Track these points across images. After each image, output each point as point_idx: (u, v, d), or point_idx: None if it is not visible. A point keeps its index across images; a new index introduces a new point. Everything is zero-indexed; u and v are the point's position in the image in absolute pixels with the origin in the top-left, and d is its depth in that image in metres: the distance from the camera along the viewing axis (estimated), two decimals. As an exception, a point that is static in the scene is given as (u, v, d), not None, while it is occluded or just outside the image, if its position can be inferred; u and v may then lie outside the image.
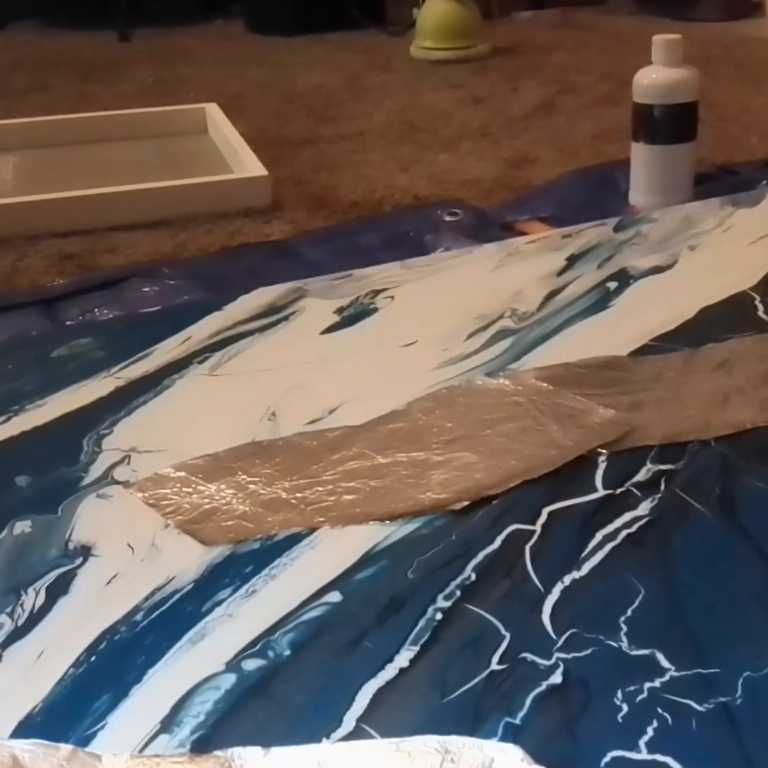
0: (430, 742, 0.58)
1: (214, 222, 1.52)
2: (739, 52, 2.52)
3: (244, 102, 2.25)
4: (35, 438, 0.94)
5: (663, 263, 1.24)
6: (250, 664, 0.66)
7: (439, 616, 0.69)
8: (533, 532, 0.77)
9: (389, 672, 0.64)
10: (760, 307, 1.11)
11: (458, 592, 0.70)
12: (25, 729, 0.62)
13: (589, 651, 0.65)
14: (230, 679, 0.64)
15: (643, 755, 0.58)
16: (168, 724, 0.61)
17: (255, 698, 0.63)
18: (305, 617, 0.69)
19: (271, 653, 0.66)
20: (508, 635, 0.67)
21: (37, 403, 0.99)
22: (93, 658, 0.67)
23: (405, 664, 0.65)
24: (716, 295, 1.14)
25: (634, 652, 0.65)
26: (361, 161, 1.81)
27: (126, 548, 0.77)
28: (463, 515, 0.79)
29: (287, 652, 0.66)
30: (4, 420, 0.96)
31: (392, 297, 1.19)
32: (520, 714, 0.61)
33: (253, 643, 0.67)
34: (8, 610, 0.72)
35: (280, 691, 0.62)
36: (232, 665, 0.65)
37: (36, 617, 0.71)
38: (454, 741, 0.58)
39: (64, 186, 1.58)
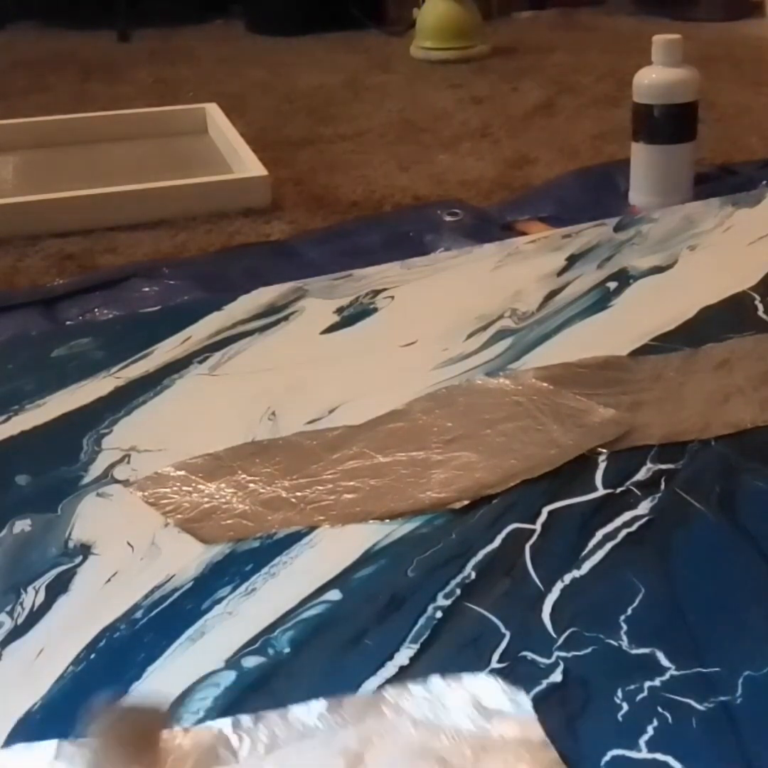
0: (416, 691, 0.61)
1: (214, 222, 1.52)
2: (739, 52, 2.52)
3: (244, 102, 2.25)
4: (35, 437, 0.94)
5: (663, 263, 1.24)
6: (250, 662, 0.66)
7: (439, 614, 0.69)
8: (533, 531, 0.77)
9: (389, 670, 0.64)
10: (760, 307, 1.11)
11: (458, 591, 0.70)
12: (24, 727, 0.62)
13: (589, 650, 0.65)
14: (230, 676, 0.64)
15: (644, 754, 0.58)
16: (168, 719, 0.61)
17: (255, 695, 0.63)
18: (305, 615, 0.69)
19: (270, 651, 0.66)
20: (508, 634, 0.67)
21: (37, 403, 0.99)
22: (93, 656, 0.67)
23: (405, 662, 0.65)
24: (716, 295, 1.14)
25: (635, 651, 0.65)
26: (361, 161, 1.81)
27: (126, 547, 0.77)
28: (463, 514, 0.79)
29: (287, 650, 0.66)
30: (4, 419, 0.96)
31: (392, 297, 1.19)
32: (520, 713, 0.61)
33: (252, 641, 0.67)
34: (8, 608, 0.72)
35: (279, 689, 0.62)
36: (232, 662, 0.66)
37: (36, 615, 0.71)
38: (436, 683, 0.62)
39: (64, 186, 1.58)
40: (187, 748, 0.58)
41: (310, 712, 0.61)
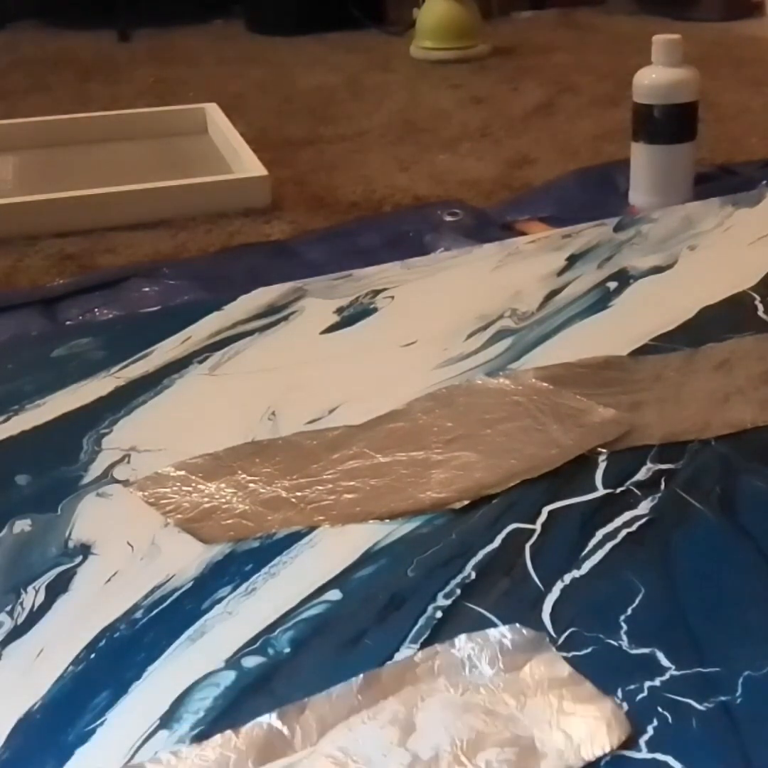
0: (444, 650, 0.64)
1: (214, 222, 1.52)
2: (739, 52, 2.52)
3: (244, 102, 2.25)
4: (35, 437, 0.94)
5: (663, 263, 1.24)
6: (250, 661, 0.65)
7: (439, 614, 0.69)
8: (533, 531, 0.77)
9: (389, 670, 0.64)
10: (760, 307, 1.11)
11: (458, 591, 0.70)
12: (24, 726, 0.62)
13: (589, 649, 0.65)
14: (230, 676, 0.64)
15: (643, 754, 0.58)
16: (167, 720, 0.61)
17: (254, 695, 0.63)
18: (305, 615, 0.69)
19: (270, 650, 0.66)
20: (508, 634, 0.67)
21: (37, 403, 0.99)
22: (93, 656, 0.67)
23: (405, 662, 0.65)
24: (716, 295, 1.14)
25: (635, 651, 0.65)
26: (361, 161, 1.81)
27: (126, 546, 0.77)
28: (464, 514, 0.79)
29: (287, 650, 0.66)
30: (4, 419, 0.96)
31: (392, 297, 1.19)
32: (520, 712, 0.61)
33: (252, 641, 0.67)
34: (8, 608, 0.72)
35: (279, 689, 0.62)
36: (232, 662, 0.65)
37: (36, 615, 0.71)
38: (461, 640, 0.65)
39: (64, 186, 1.58)
40: (243, 748, 0.58)
41: (350, 689, 0.61)
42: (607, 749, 0.57)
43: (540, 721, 0.59)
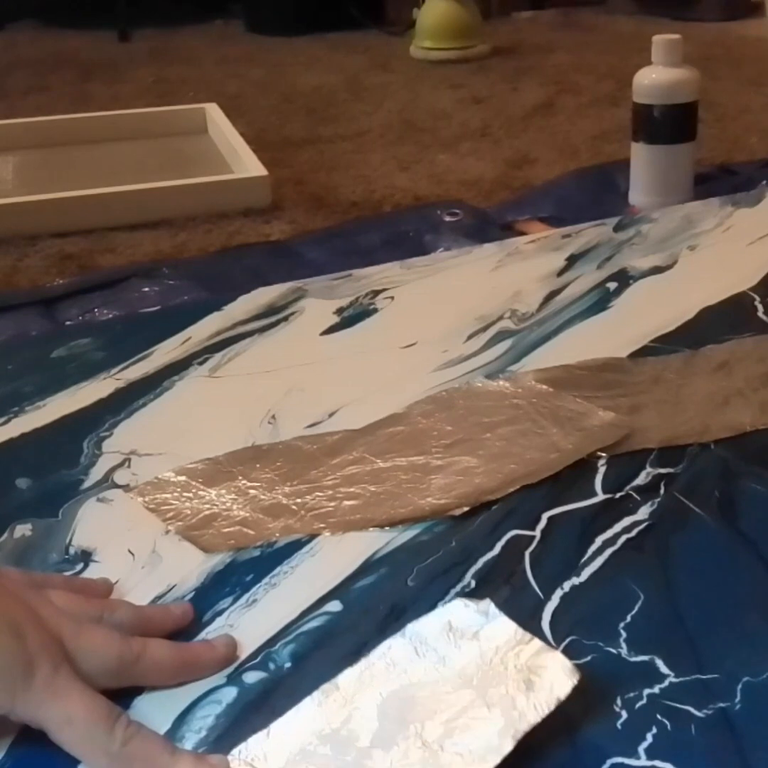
0: (395, 642, 0.64)
1: (214, 222, 1.52)
2: (739, 52, 2.52)
3: (244, 102, 2.25)
4: (35, 440, 0.94)
5: (663, 263, 1.24)
6: (251, 677, 0.65)
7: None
8: (533, 537, 0.76)
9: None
10: (760, 307, 1.11)
11: (458, 600, 0.70)
12: (21, 744, 0.60)
13: (588, 658, 0.64)
14: (232, 693, 0.63)
15: (643, 761, 0.57)
16: (170, 739, 0.60)
17: (256, 712, 0.62)
18: (306, 628, 0.68)
19: (272, 665, 0.65)
20: (507, 641, 0.67)
21: (37, 404, 0.99)
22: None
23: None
24: (716, 295, 1.14)
25: (634, 659, 0.65)
26: (361, 161, 1.81)
27: (127, 554, 0.77)
28: (463, 521, 0.79)
29: (288, 664, 0.65)
30: (4, 421, 0.96)
31: (392, 297, 1.19)
32: (520, 720, 0.61)
33: (253, 655, 0.66)
34: (8, 615, 0.72)
35: (281, 705, 0.61)
36: (233, 678, 0.65)
37: (36, 623, 0.71)
38: (410, 628, 0.65)
39: (64, 186, 1.58)
40: None
41: (311, 704, 0.60)
42: (564, 695, 0.58)
43: (498, 684, 0.59)
